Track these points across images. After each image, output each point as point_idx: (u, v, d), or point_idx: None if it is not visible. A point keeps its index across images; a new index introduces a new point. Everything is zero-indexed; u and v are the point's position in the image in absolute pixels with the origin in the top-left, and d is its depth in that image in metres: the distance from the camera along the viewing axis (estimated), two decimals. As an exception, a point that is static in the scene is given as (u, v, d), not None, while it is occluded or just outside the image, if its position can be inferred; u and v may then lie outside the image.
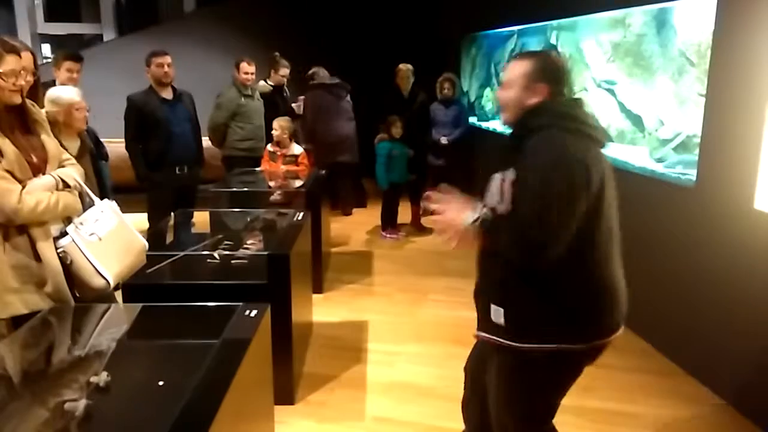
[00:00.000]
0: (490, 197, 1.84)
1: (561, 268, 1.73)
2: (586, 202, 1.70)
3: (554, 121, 1.76)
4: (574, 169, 1.68)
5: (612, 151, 4.04)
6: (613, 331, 1.85)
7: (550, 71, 1.85)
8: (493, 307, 1.86)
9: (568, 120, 1.78)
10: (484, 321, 1.93)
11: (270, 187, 4.79)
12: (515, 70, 1.86)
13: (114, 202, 2.52)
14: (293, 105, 6.06)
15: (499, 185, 1.80)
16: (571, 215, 1.68)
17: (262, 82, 5.93)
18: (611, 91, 4.06)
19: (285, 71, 5.86)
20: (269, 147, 5.18)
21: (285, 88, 5.94)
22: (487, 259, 1.90)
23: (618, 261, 1.85)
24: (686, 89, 3.30)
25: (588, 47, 4.35)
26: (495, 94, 1.87)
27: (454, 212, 1.85)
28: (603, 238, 1.78)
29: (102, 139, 4.30)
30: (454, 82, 6.44)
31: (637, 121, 3.78)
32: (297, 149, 5.15)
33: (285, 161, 5.08)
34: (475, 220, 1.80)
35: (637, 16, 3.75)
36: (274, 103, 5.76)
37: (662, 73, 3.51)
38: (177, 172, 4.45)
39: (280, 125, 5.07)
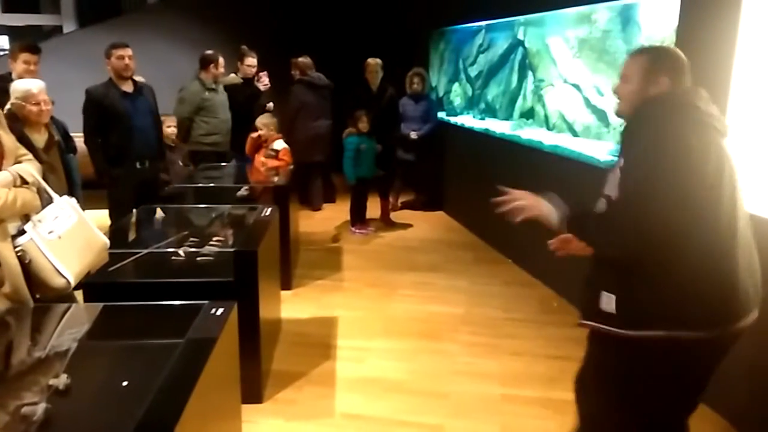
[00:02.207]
0: (610, 188, 1.86)
1: (676, 253, 1.71)
2: (700, 191, 1.69)
3: (672, 110, 1.77)
4: (686, 159, 1.67)
5: (578, 145, 4.09)
6: (729, 321, 1.78)
7: (670, 63, 1.86)
8: (604, 294, 1.82)
9: (687, 109, 1.78)
10: (590, 310, 1.88)
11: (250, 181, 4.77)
12: (634, 64, 1.89)
13: (74, 198, 2.45)
14: (268, 105, 5.99)
15: (613, 173, 1.83)
16: (672, 210, 1.67)
17: (232, 75, 5.85)
18: (577, 87, 4.11)
19: (251, 61, 5.78)
20: (254, 134, 5.17)
21: (259, 76, 5.85)
22: (601, 247, 1.87)
23: (744, 249, 1.81)
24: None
25: (554, 43, 4.39)
26: (614, 89, 1.99)
27: (533, 200, 1.93)
28: (722, 226, 1.75)
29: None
30: (424, 76, 6.45)
31: (602, 116, 3.83)
32: (279, 144, 5.16)
33: (266, 154, 5.08)
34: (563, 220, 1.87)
35: (603, 12, 3.80)
36: (247, 96, 5.68)
37: (626, 69, 3.56)
38: (138, 166, 4.35)
39: (263, 123, 5.12)
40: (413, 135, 6.26)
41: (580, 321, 1.94)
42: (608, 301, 1.81)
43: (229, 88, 5.70)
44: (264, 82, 5.80)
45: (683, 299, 1.74)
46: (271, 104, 6.07)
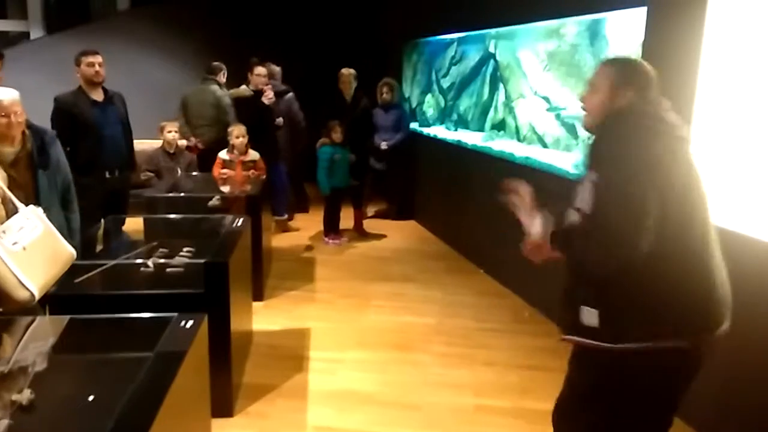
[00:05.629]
0: (580, 201, 1.82)
1: (653, 265, 1.71)
2: (666, 203, 1.70)
3: (637, 122, 1.78)
4: (653, 169, 1.69)
5: (548, 157, 4.15)
6: (708, 329, 1.82)
7: (637, 77, 1.86)
8: (585, 309, 1.80)
9: (651, 120, 1.79)
10: (571, 324, 1.87)
11: (224, 192, 4.73)
12: (603, 75, 1.89)
13: (40, 208, 2.40)
14: (277, 120, 5.98)
15: (583, 187, 1.80)
16: (644, 219, 1.68)
17: (243, 87, 5.82)
18: (547, 99, 4.17)
19: (261, 70, 5.75)
20: (224, 155, 5.12)
21: (264, 90, 5.81)
22: (578, 260, 1.84)
23: (716, 257, 1.83)
24: (617, 98, 3.42)
25: (525, 56, 4.46)
26: (580, 98, 1.99)
27: (526, 217, 1.93)
28: (696, 236, 1.78)
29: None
30: (393, 86, 6.50)
31: (571, 128, 3.90)
32: (254, 154, 5.19)
33: (244, 167, 5.07)
34: (551, 233, 1.85)
35: (571, 26, 3.88)
36: (260, 108, 5.65)
37: (595, 82, 3.63)
38: (107, 176, 4.28)
39: (242, 133, 5.11)
40: (383, 146, 6.30)
41: (561, 337, 1.91)
42: (590, 316, 1.79)
43: (239, 101, 5.67)
44: (269, 96, 5.74)
45: (663, 310, 1.76)
46: (280, 119, 6.02)
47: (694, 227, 1.78)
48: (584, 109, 1.95)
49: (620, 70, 1.88)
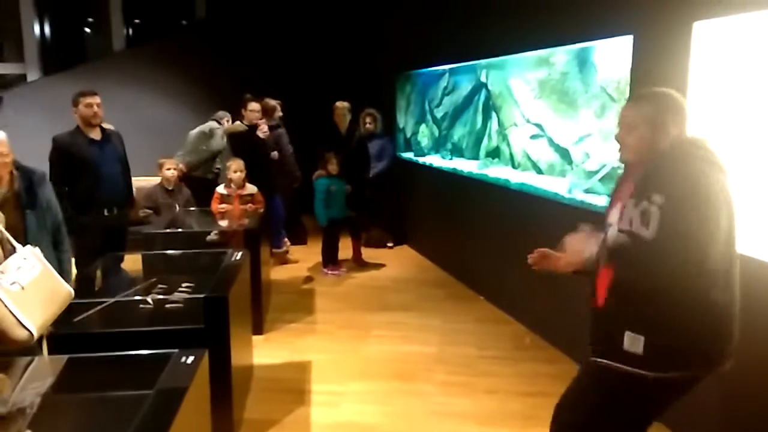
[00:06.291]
0: (627, 223, 1.83)
1: (705, 294, 1.74)
2: (724, 230, 1.74)
3: (690, 150, 1.80)
4: (715, 198, 1.73)
5: (543, 183, 4.18)
6: (729, 359, 1.86)
7: (673, 110, 1.87)
8: (629, 334, 1.80)
9: (701, 149, 1.82)
10: (609, 349, 1.86)
11: (222, 227, 4.77)
12: (638, 113, 1.88)
13: (38, 248, 2.40)
14: (272, 154, 6.07)
15: (642, 210, 1.78)
16: (717, 234, 1.72)
17: (237, 122, 5.90)
18: (539, 126, 4.23)
19: (255, 106, 5.83)
20: (222, 190, 5.16)
21: (259, 125, 5.88)
22: (631, 286, 1.82)
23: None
24: (608, 123, 3.47)
25: (516, 85, 4.53)
26: (616, 136, 1.98)
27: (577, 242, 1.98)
28: (734, 267, 1.81)
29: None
30: (376, 116, 6.66)
31: (564, 154, 3.94)
32: (252, 188, 5.25)
33: (242, 201, 5.11)
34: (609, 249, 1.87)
35: (560, 55, 3.95)
36: (252, 143, 5.71)
37: (586, 108, 3.69)
38: (105, 214, 4.30)
39: (240, 167, 5.17)
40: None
41: (596, 359, 1.90)
42: (633, 342, 1.79)
43: (234, 135, 5.75)
44: (263, 130, 5.81)
45: (709, 341, 1.80)
46: (275, 153, 6.10)
47: (734, 260, 1.81)
48: (621, 149, 1.95)
49: (657, 105, 1.88)
